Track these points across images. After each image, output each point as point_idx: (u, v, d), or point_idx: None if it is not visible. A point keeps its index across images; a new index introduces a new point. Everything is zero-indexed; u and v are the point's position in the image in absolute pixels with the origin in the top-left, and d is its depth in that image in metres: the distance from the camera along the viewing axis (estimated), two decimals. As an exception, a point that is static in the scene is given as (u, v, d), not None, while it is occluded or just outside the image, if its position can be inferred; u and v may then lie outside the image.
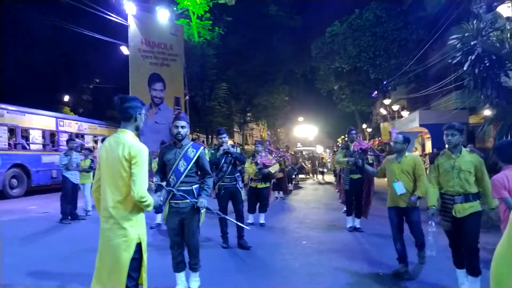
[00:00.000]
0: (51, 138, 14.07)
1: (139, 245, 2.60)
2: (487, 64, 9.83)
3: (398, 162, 4.52)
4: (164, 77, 14.78)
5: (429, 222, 3.79)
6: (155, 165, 5.41)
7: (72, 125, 15.17)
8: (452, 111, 16.95)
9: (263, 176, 7.06)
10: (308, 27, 27.18)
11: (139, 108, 2.69)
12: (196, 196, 3.67)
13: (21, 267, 4.60)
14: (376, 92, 27.30)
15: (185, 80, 16.22)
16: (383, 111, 27.53)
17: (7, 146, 12.06)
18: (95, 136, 16.07)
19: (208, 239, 5.97)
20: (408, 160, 4.50)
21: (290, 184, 13.93)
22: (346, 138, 7.26)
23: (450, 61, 11.06)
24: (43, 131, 13.69)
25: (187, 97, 16.14)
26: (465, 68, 9.95)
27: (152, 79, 14.41)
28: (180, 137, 3.64)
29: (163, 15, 14.90)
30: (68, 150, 7.93)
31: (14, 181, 12.00)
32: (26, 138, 13.07)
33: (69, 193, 7.66)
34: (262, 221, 7.27)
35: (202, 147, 3.83)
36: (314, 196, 13.19)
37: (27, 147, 12.95)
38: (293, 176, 15.06)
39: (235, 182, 5.71)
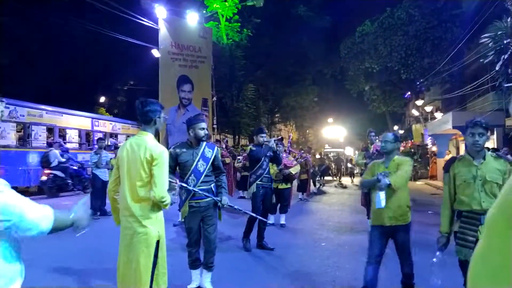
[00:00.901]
0: (86, 138, 14.80)
1: (158, 242, 2.73)
2: (521, 64, 9.38)
3: (385, 167, 3.60)
4: (192, 78, 15.11)
5: (437, 253, 3.07)
6: None
7: (106, 125, 15.88)
8: (487, 112, 16.20)
9: (284, 177, 7.12)
10: (338, 27, 26.83)
11: (159, 111, 2.83)
12: (215, 194, 3.81)
13: (44, 262, 4.70)
14: (409, 92, 26.50)
15: (213, 82, 16.53)
16: (415, 112, 26.70)
17: (45, 145, 12.82)
18: (128, 136, 16.67)
19: (229, 238, 6.11)
20: (395, 164, 3.56)
21: (313, 187, 13.86)
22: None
23: (482, 60, 10.61)
24: (79, 131, 14.44)
25: (214, 98, 16.43)
26: (497, 68, 9.52)
27: (181, 80, 14.77)
28: (205, 138, 3.81)
29: (192, 19, 15.26)
30: (98, 148, 8.31)
31: (52, 178, 12.68)
32: (63, 137, 13.82)
33: (98, 190, 8.02)
34: (282, 221, 7.30)
35: (216, 147, 3.98)
36: (338, 198, 13.05)
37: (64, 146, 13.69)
38: (317, 179, 14.96)
39: (271, 183, 5.71)
